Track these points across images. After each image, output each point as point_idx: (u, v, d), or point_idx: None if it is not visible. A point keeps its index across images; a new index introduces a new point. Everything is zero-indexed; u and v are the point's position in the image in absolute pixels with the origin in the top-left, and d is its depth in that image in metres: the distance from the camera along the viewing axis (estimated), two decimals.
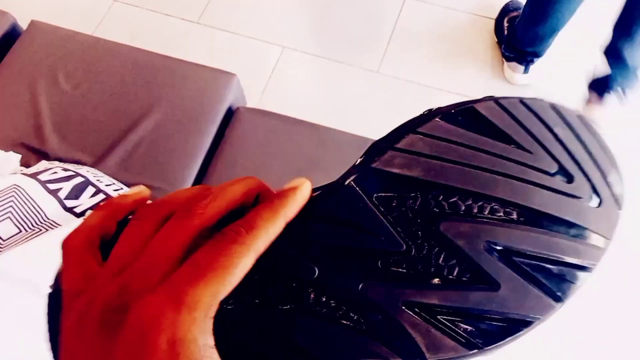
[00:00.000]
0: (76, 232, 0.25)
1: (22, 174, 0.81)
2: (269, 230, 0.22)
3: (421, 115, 0.24)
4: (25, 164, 0.93)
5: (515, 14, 1.55)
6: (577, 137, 0.24)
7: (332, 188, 0.24)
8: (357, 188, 0.23)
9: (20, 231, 0.69)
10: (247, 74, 1.43)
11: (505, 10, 1.59)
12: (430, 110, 0.24)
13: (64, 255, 0.24)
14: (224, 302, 0.21)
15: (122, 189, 0.88)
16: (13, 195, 0.71)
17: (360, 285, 0.22)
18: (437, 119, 0.24)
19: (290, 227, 0.23)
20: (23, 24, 1.18)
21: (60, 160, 0.93)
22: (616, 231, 0.23)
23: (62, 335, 0.21)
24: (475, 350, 0.21)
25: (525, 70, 1.50)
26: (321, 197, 0.24)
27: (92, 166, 0.92)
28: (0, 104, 1.03)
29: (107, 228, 0.25)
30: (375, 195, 0.23)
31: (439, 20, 1.68)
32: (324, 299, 0.22)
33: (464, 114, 0.24)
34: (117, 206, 0.26)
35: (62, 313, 0.22)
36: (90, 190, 0.83)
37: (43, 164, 0.88)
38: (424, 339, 0.21)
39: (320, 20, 1.70)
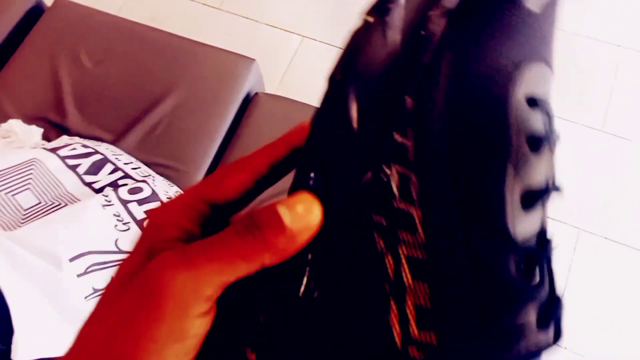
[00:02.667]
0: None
1: (43, 148, 0.82)
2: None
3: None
4: (45, 138, 0.94)
5: None
6: None
7: None
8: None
9: (40, 202, 0.70)
10: (266, 61, 1.42)
11: None
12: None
13: None
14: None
15: (139, 167, 0.89)
16: (32, 168, 0.72)
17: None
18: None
19: None
20: (47, 1, 1.18)
21: (81, 136, 0.94)
22: None
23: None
24: None
25: None
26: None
27: (111, 143, 0.93)
28: (23, 78, 1.04)
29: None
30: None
31: None
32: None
33: None
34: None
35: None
36: (109, 167, 0.83)
37: (64, 139, 0.89)
38: None
39: (341, 12, 1.69)
